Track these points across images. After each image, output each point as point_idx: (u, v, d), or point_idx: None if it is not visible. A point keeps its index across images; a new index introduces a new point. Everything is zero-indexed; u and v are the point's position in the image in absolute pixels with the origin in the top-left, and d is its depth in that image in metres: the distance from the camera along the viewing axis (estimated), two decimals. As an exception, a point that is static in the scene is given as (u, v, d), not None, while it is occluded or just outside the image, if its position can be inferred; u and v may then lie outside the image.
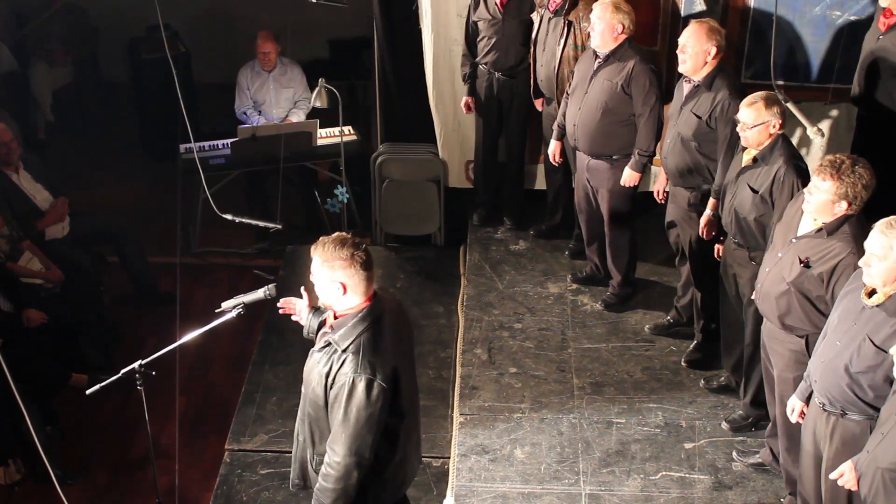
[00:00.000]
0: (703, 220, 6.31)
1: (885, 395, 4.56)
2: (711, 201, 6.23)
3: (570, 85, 6.95)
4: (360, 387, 4.35)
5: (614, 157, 6.80)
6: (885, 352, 4.51)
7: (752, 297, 5.61)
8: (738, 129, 5.71)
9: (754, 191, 5.67)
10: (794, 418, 5.16)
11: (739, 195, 5.77)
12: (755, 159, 5.70)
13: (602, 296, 7.36)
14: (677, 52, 6.24)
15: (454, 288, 7.81)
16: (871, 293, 4.65)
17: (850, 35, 7.37)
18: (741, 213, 5.76)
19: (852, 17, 7.39)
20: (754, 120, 5.59)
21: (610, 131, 6.74)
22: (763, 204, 5.64)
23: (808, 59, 7.56)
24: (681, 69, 6.26)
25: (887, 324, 4.56)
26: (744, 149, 5.79)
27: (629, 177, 6.78)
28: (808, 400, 5.05)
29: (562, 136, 7.18)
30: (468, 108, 7.86)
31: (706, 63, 6.16)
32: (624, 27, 6.54)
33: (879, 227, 4.55)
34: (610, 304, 7.30)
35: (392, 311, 4.62)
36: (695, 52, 6.13)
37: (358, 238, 4.52)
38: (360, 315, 4.46)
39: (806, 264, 5.07)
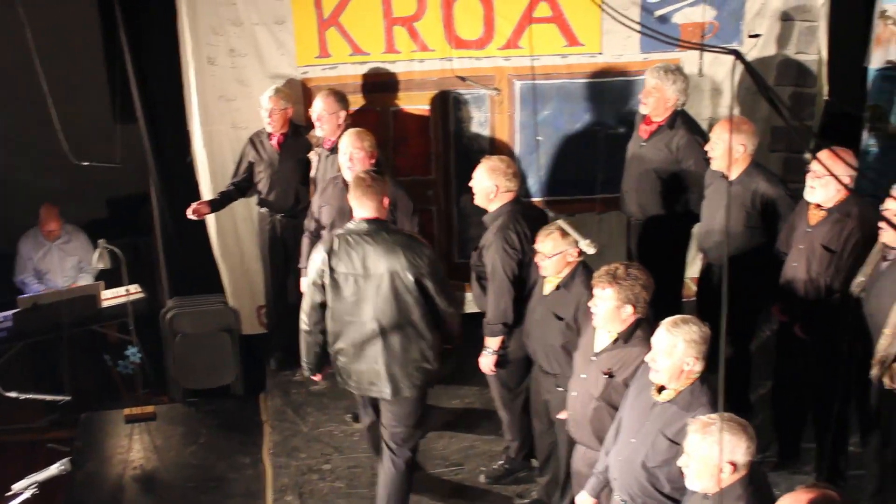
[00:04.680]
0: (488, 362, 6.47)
1: (682, 486, 4.70)
2: (495, 339, 6.38)
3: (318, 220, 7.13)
4: None
5: None
6: (678, 444, 4.69)
7: (561, 417, 5.74)
8: (536, 259, 5.90)
9: (559, 318, 5.83)
10: None
11: (545, 324, 5.91)
12: (557, 287, 5.87)
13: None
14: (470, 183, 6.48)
15: (258, 436, 7.64)
16: (661, 389, 4.85)
17: (611, 147, 7.79)
18: (548, 342, 5.90)
19: (610, 131, 7.81)
20: (552, 250, 5.77)
21: None
22: (569, 331, 5.79)
23: (574, 174, 7.92)
24: (475, 202, 6.50)
25: (678, 417, 4.75)
26: (543, 277, 5.97)
27: None
28: (598, 496, 5.19)
29: None
30: (195, 212, 7.55)
31: (490, 200, 6.36)
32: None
33: (665, 325, 4.78)
34: None
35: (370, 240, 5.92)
36: (478, 188, 6.38)
37: None
38: None
39: (610, 375, 5.24)
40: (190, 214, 7.49)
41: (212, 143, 7.74)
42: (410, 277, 5.89)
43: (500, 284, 6.25)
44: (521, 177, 7.50)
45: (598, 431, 5.35)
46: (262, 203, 7.76)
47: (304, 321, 6.16)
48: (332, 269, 5.95)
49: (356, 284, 5.94)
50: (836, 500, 3.92)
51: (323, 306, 6.07)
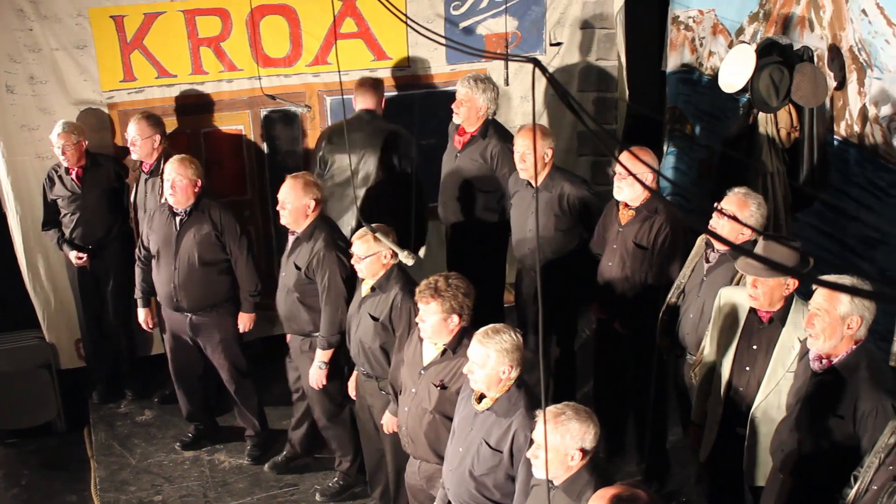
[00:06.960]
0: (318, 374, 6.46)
1: (510, 492, 4.82)
2: (328, 352, 6.39)
3: (147, 249, 6.99)
4: None
5: (218, 306, 6.89)
6: (501, 452, 4.80)
7: (395, 431, 5.75)
8: (352, 261, 5.95)
9: (375, 318, 5.88)
10: None
11: (362, 325, 5.95)
12: (373, 288, 5.93)
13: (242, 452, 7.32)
14: (278, 207, 6.42)
15: (84, 473, 7.41)
16: (481, 398, 4.94)
17: (425, 158, 7.87)
18: (366, 343, 5.94)
19: (423, 143, 7.91)
20: (366, 252, 5.82)
21: (211, 281, 6.83)
22: (384, 331, 5.85)
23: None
24: (283, 222, 6.46)
25: (498, 425, 4.85)
26: (361, 280, 6.01)
27: (247, 319, 6.94)
28: None
29: (148, 303, 7.18)
30: (80, 259, 7.49)
31: (307, 216, 6.37)
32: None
33: (478, 336, 4.87)
34: (256, 455, 7.25)
35: None
36: (294, 207, 6.34)
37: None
38: None
39: (442, 386, 5.29)
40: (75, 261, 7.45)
41: (17, 173, 7.46)
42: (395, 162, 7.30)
43: (338, 295, 6.28)
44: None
45: (434, 443, 5.39)
46: (70, 242, 7.50)
47: None
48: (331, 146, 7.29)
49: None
50: (642, 497, 4.04)
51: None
